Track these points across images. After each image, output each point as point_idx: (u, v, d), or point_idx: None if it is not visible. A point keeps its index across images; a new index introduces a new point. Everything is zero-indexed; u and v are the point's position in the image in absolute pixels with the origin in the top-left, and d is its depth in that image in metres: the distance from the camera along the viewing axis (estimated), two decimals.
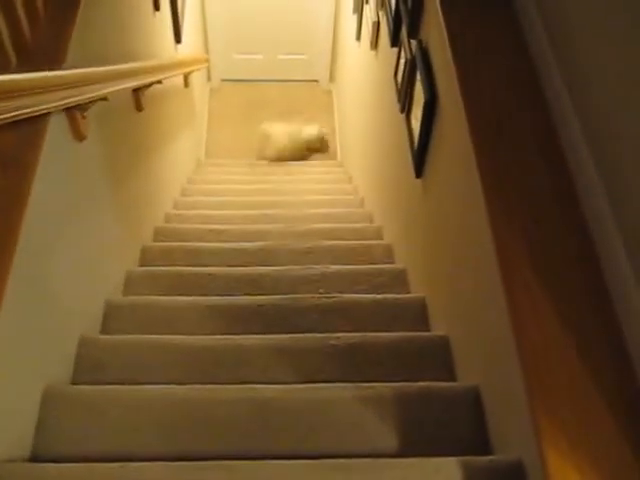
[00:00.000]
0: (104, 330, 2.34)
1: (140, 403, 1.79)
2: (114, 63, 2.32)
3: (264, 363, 2.05)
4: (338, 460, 1.54)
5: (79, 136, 2.01)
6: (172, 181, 4.32)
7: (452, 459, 1.50)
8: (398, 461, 1.56)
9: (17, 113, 1.49)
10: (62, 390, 1.85)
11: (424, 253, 2.45)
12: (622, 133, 1.15)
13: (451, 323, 2.08)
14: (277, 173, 5.65)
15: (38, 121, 1.65)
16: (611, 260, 1.18)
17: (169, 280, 2.77)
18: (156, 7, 3.66)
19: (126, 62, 2.58)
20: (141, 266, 3.04)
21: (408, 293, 2.69)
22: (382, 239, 3.43)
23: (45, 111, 1.65)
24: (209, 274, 2.77)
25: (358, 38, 4.84)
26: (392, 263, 3.05)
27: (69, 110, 1.91)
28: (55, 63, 1.79)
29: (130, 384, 1.91)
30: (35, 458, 1.68)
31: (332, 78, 7.50)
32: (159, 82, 3.33)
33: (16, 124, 1.52)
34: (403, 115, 2.62)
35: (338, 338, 2.12)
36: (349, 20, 5.50)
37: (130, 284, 2.73)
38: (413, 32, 2.43)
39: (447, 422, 1.74)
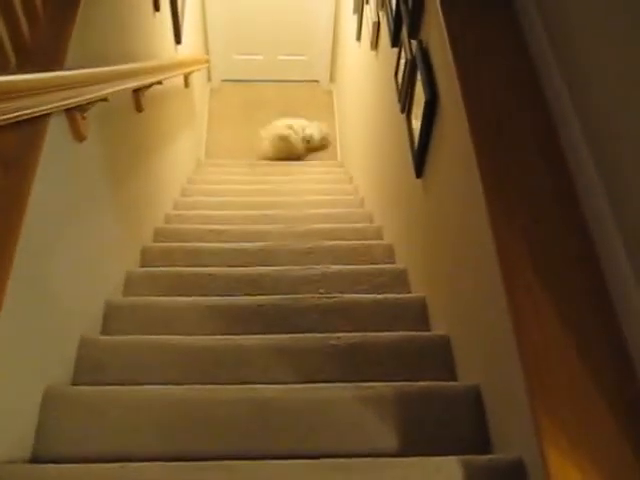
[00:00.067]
0: (104, 331, 2.34)
1: (140, 403, 1.79)
2: (114, 63, 2.32)
3: (264, 363, 2.05)
4: (338, 460, 1.54)
5: (79, 137, 2.01)
6: (172, 181, 4.32)
7: (453, 458, 1.50)
8: (399, 460, 1.56)
9: (17, 114, 1.49)
10: (62, 391, 1.85)
11: (424, 253, 2.45)
12: (622, 133, 1.15)
13: (452, 323, 2.08)
14: (277, 173, 5.65)
15: (38, 122, 1.65)
16: (611, 260, 1.18)
17: (169, 280, 2.77)
18: (156, 7, 3.66)
19: (126, 62, 2.58)
20: (141, 267, 3.03)
21: (409, 293, 2.69)
22: (382, 239, 3.43)
23: (45, 112, 1.65)
24: (209, 274, 2.77)
25: (358, 38, 4.84)
26: (392, 263, 3.05)
27: (69, 111, 1.91)
28: (55, 63, 1.78)
29: (130, 385, 1.91)
30: (35, 459, 1.68)
31: (332, 78, 7.50)
32: (159, 83, 3.33)
33: (16, 125, 1.52)
34: (403, 115, 2.62)
35: (338, 338, 2.12)
36: (349, 20, 5.50)
37: (130, 285, 2.73)
38: (413, 32, 2.43)
39: (448, 421, 1.74)
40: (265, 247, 3.16)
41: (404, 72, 2.61)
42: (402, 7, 2.63)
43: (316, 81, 7.60)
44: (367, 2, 4.20)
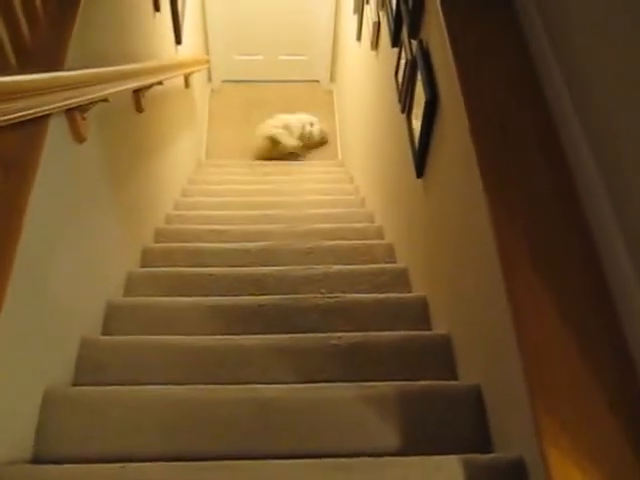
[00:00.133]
0: (105, 331, 2.35)
1: (141, 404, 1.79)
2: (114, 64, 2.32)
3: (265, 363, 2.05)
4: (339, 459, 1.54)
5: (79, 137, 2.01)
6: (172, 182, 4.32)
7: (453, 457, 1.50)
8: (399, 459, 1.56)
9: (17, 115, 1.48)
10: (63, 391, 1.85)
11: (425, 252, 2.45)
12: (622, 133, 1.15)
13: (453, 322, 2.08)
14: (278, 173, 5.65)
15: (38, 123, 1.64)
16: (613, 260, 1.18)
17: (170, 281, 2.77)
18: (156, 8, 3.66)
19: (126, 63, 2.58)
20: (142, 267, 3.03)
21: (409, 292, 2.69)
22: (383, 239, 3.43)
23: (45, 112, 1.65)
24: (210, 275, 2.77)
25: (359, 38, 4.84)
26: (393, 263, 3.05)
27: (69, 111, 1.91)
28: (55, 64, 1.79)
29: (131, 385, 1.91)
30: (36, 459, 1.68)
31: (333, 78, 7.50)
32: (160, 83, 3.33)
33: (16, 126, 1.52)
34: (404, 115, 2.62)
35: (339, 338, 2.12)
36: (349, 20, 5.50)
37: (131, 285, 2.73)
38: (414, 32, 2.42)
39: (449, 421, 1.74)
40: (267, 247, 3.16)
41: (404, 72, 2.61)
42: (402, 7, 2.63)
43: (316, 81, 7.60)
44: (367, 2, 4.20)
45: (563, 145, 1.39)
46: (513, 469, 1.41)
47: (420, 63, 2.24)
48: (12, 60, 1.69)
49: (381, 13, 3.51)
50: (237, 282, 2.72)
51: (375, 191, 3.89)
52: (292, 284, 2.71)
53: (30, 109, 1.55)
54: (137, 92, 2.96)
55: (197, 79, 5.74)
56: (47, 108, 1.65)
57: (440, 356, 2.07)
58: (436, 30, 2.07)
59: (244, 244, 3.20)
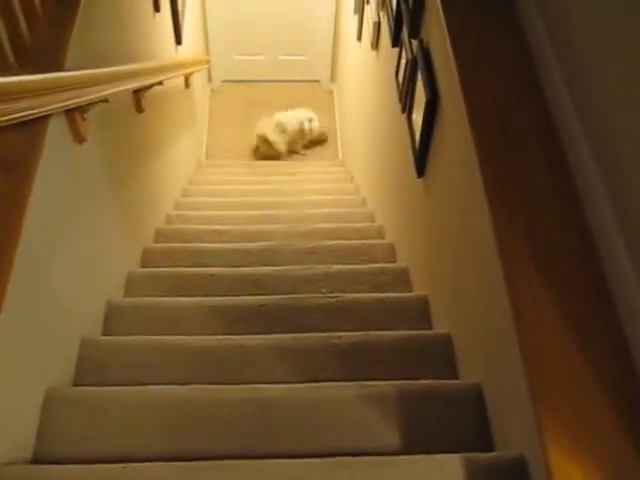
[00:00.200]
0: (106, 331, 2.35)
1: (142, 404, 1.79)
2: (114, 64, 2.32)
3: (267, 363, 2.05)
4: (342, 458, 1.55)
5: (79, 138, 2.01)
6: (173, 182, 4.32)
7: (454, 456, 1.50)
8: (401, 458, 1.56)
9: (17, 115, 1.48)
10: (64, 392, 1.85)
11: (426, 252, 2.45)
12: (622, 132, 1.15)
13: (453, 321, 2.08)
14: (278, 173, 5.65)
15: (38, 123, 1.64)
16: (613, 260, 1.18)
17: (171, 281, 2.77)
18: (156, 8, 3.66)
19: (126, 63, 2.58)
20: (142, 267, 3.03)
21: (410, 292, 2.69)
22: (384, 238, 3.43)
23: (45, 113, 1.65)
24: (211, 275, 2.77)
25: (359, 38, 4.84)
26: (394, 262, 3.05)
27: (69, 112, 1.91)
28: (55, 64, 1.78)
29: (132, 385, 1.91)
30: (37, 460, 1.68)
31: (333, 78, 7.50)
32: (160, 83, 3.33)
33: (16, 126, 1.52)
34: (404, 115, 2.62)
35: (340, 337, 2.12)
36: (350, 20, 5.50)
37: (131, 285, 2.73)
38: (414, 32, 2.42)
39: (449, 420, 1.74)
40: (268, 247, 3.16)
41: (405, 72, 2.61)
42: (403, 7, 2.63)
43: (317, 81, 7.60)
44: (368, 2, 4.20)
45: (563, 144, 1.39)
46: (514, 468, 1.41)
47: (420, 63, 2.24)
48: (11, 60, 1.69)
49: (381, 13, 3.51)
50: (237, 282, 2.72)
51: (376, 191, 3.89)
52: (292, 284, 2.71)
53: (30, 109, 1.55)
54: (137, 92, 2.96)
55: (197, 79, 5.75)
56: (47, 108, 1.65)
57: (441, 355, 2.08)
58: (436, 29, 2.07)
59: (244, 244, 3.20)
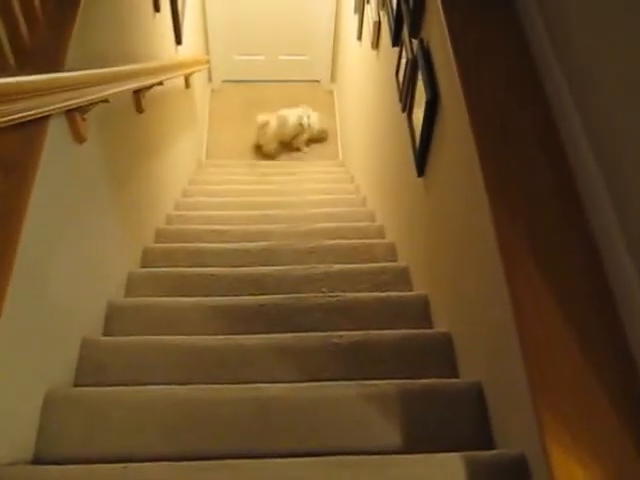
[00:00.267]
0: (106, 332, 2.35)
1: (143, 404, 1.79)
2: (114, 64, 2.32)
3: (267, 363, 2.05)
4: (343, 457, 1.55)
5: (79, 138, 2.01)
6: (173, 182, 4.32)
7: (456, 454, 1.50)
8: (403, 457, 1.56)
9: (17, 116, 1.48)
10: (64, 392, 1.85)
11: (426, 251, 2.45)
12: (623, 132, 1.15)
13: (454, 320, 2.08)
14: (278, 173, 5.65)
15: (38, 124, 1.64)
16: (614, 260, 1.18)
17: (171, 281, 2.77)
18: (156, 8, 3.66)
19: (127, 63, 2.58)
20: (143, 267, 3.03)
21: (411, 291, 2.69)
22: (384, 238, 3.43)
23: (45, 113, 1.64)
24: (212, 275, 2.77)
25: (359, 38, 4.84)
26: (394, 261, 3.05)
27: (69, 112, 1.91)
28: (55, 64, 1.78)
29: (132, 385, 1.91)
30: (37, 460, 1.68)
31: (333, 78, 7.50)
32: (160, 83, 3.33)
33: (16, 127, 1.52)
34: (404, 114, 2.62)
35: (341, 337, 2.12)
36: (350, 20, 5.50)
37: (132, 285, 2.73)
38: (414, 31, 2.42)
39: (450, 418, 1.75)
40: (268, 247, 3.16)
41: (405, 71, 2.61)
42: (403, 6, 2.63)
43: (317, 81, 7.60)
44: (368, 2, 4.20)
45: (563, 144, 1.39)
46: (515, 466, 1.41)
47: (421, 62, 2.24)
48: (11, 61, 1.69)
49: (382, 12, 3.51)
50: (238, 282, 2.72)
51: (376, 190, 3.89)
52: (293, 283, 2.71)
53: (30, 110, 1.54)
54: (137, 92, 2.96)
55: (197, 79, 5.75)
56: (47, 109, 1.65)
57: (441, 354, 2.08)
58: (437, 29, 2.07)
59: (245, 244, 3.20)
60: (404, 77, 2.63)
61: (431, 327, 2.37)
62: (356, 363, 2.06)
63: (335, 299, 2.46)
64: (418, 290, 2.62)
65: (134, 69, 2.67)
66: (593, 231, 1.26)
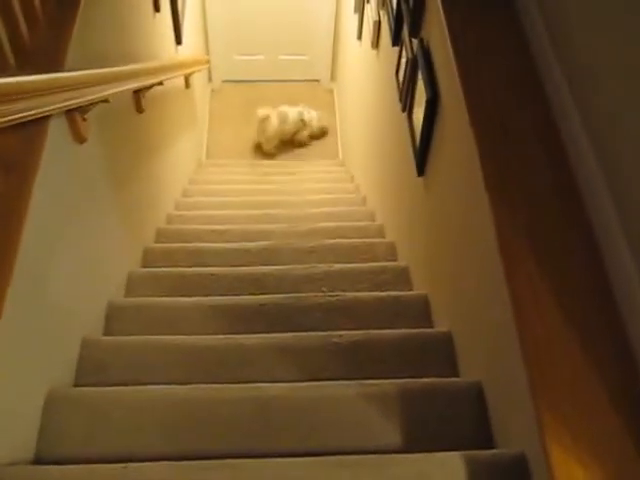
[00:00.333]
0: (106, 332, 2.35)
1: (143, 404, 1.79)
2: (114, 64, 2.32)
3: (267, 362, 2.05)
4: (343, 457, 1.55)
5: (80, 138, 2.01)
6: (173, 182, 4.32)
7: (456, 454, 1.50)
8: (404, 457, 1.56)
9: (18, 116, 1.48)
10: (65, 392, 1.85)
11: (427, 250, 2.45)
12: (623, 132, 1.15)
13: (454, 319, 2.08)
14: (278, 173, 5.65)
15: (38, 124, 1.64)
16: (615, 259, 1.18)
17: (171, 281, 2.77)
18: (156, 8, 3.66)
19: (127, 63, 2.58)
20: (143, 267, 3.04)
21: (411, 290, 2.69)
22: (384, 237, 3.43)
23: (45, 114, 1.64)
24: (212, 274, 2.77)
25: (359, 37, 4.84)
26: (395, 261, 3.05)
27: (69, 112, 1.91)
28: (55, 64, 1.78)
29: (133, 385, 1.91)
30: (38, 460, 1.68)
31: (333, 77, 7.50)
32: (160, 83, 3.33)
33: (16, 127, 1.52)
34: (404, 114, 2.62)
35: (341, 336, 2.12)
36: (350, 19, 5.50)
37: (132, 285, 2.73)
38: (414, 31, 2.42)
39: (450, 418, 1.75)
40: (268, 246, 3.16)
41: (405, 71, 2.61)
42: (403, 6, 2.63)
43: (317, 80, 7.60)
44: (368, 1, 4.20)
45: (563, 144, 1.39)
46: (515, 465, 1.42)
47: (421, 62, 2.24)
48: (11, 61, 1.69)
49: (382, 12, 3.51)
50: (238, 282, 2.72)
51: (376, 190, 3.89)
52: (293, 283, 2.71)
53: (30, 110, 1.54)
54: (137, 92, 2.96)
55: (197, 79, 5.75)
56: (47, 109, 1.65)
57: (441, 353, 2.08)
58: (437, 29, 2.07)
59: (245, 244, 3.20)
60: (404, 76, 2.63)
61: (431, 326, 2.37)
62: (356, 362, 2.06)
63: (335, 298, 2.46)
64: (418, 289, 2.62)
65: (134, 69, 2.67)
66: (593, 230, 1.26)
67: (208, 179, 5.37)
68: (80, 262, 2.09)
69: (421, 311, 2.41)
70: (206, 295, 2.58)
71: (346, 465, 1.51)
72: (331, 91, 7.51)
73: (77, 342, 2.06)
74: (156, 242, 3.42)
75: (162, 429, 1.73)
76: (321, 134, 6.76)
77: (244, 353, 2.08)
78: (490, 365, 1.69)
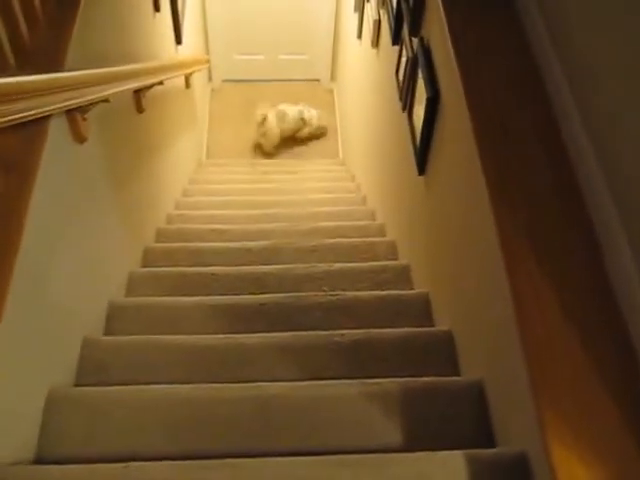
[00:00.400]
0: (107, 331, 2.35)
1: (144, 403, 1.79)
2: (115, 64, 2.32)
3: (268, 362, 2.05)
4: (344, 456, 1.55)
5: (80, 138, 2.01)
6: (173, 182, 4.32)
7: (458, 453, 1.50)
8: (405, 456, 1.56)
9: (18, 116, 1.48)
10: (66, 392, 1.85)
11: (427, 249, 2.45)
12: (623, 131, 1.15)
13: (455, 318, 2.08)
14: (279, 172, 5.65)
15: (39, 124, 1.64)
16: (615, 257, 1.18)
17: (172, 281, 2.77)
18: (156, 8, 3.66)
19: (127, 63, 2.58)
20: (143, 267, 3.04)
21: (411, 289, 2.69)
22: (385, 236, 3.43)
23: (46, 113, 1.64)
24: (212, 274, 2.77)
25: (359, 37, 4.84)
26: (395, 260, 3.05)
27: (70, 112, 1.91)
28: (55, 64, 1.78)
29: (134, 385, 1.91)
30: (39, 460, 1.68)
31: (333, 77, 7.50)
32: (160, 83, 3.33)
33: (17, 127, 1.52)
34: (405, 113, 2.62)
35: (342, 335, 2.12)
36: (350, 19, 5.50)
37: (133, 285, 2.73)
38: (415, 30, 2.42)
39: (452, 417, 1.75)
40: (269, 246, 3.16)
41: (405, 70, 2.61)
42: (403, 5, 2.62)
43: (317, 80, 7.60)
44: (368, 0, 4.20)
45: (564, 143, 1.39)
46: (516, 464, 1.41)
47: (421, 61, 2.24)
48: (11, 61, 1.69)
49: (382, 11, 3.50)
50: (238, 281, 2.72)
51: (376, 189, 3.89)
52: (294, 282, 2.71)
53: (30, 110, 1.54)
54: (138, 92, 2.96)
55: (197, 79, 5.74)
56: (47, 109, 1.65)
57: (443, 352, 2.08)
58: (437, 27, 2.07)
59: (245, 243, 3.20)
60: (404, 75, 2.63)
61: (432, 325, 2.37)
62: (358, 362, 2.06)
63: (336, 298, 2.46)
64: (419, 288, 2.62)
65: (134, 69, 2.67)
66: (594, 229, 1.26)
67: (208, 179, 5.37)
68: (80, 262, 2.09)
69: (422, 310, 2.41)
70: (207, 294, 2.58)
71: (347, 464, 1.51)
72: (331, 90, 7.51)
73: (78, 342, 2.06)
74: (156, 242, 3.42)
75: (163, 429, 1.73)
76: (320, 134, 6.76)
77: (245, 352, 2.08)
78: (491, 364, 1.69)
